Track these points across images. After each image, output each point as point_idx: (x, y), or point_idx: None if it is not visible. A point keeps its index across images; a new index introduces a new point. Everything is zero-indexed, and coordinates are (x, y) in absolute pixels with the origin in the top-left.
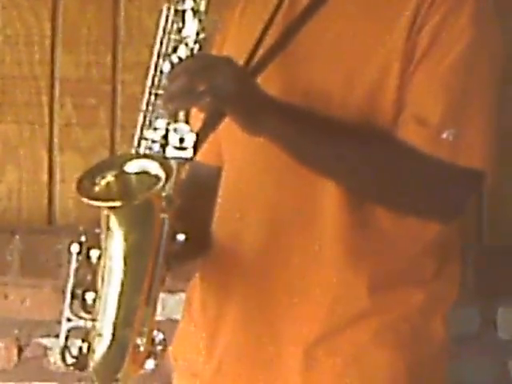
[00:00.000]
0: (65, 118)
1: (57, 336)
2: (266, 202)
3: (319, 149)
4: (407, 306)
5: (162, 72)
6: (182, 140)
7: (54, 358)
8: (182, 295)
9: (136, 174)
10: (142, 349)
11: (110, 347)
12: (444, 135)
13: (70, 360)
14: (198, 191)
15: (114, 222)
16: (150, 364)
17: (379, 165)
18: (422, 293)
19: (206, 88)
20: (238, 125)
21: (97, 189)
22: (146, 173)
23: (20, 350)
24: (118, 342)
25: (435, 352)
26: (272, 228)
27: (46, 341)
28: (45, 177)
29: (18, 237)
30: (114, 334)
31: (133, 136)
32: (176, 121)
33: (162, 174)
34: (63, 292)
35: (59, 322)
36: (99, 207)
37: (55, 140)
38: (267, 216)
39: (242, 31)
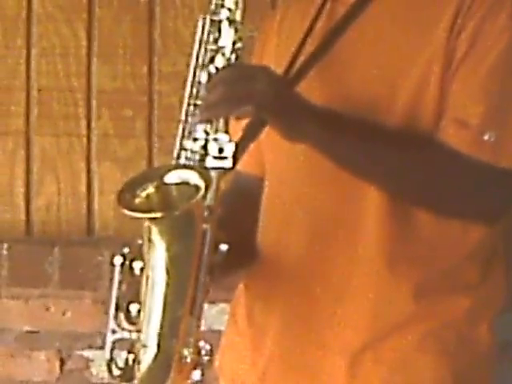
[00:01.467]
0: (102, 130)
1: (98, 348)
2: (308, 209)
3: (360, 153)
4: (452, 312)
5: (199, 83)
6: (221, 150)
7: (97, 369)
8: (223, 305)
9: (176, 184)
10: (188, 360)
11: (155, 358)
12: (485, 137)
13: (116, 372)
14: (240, 202)
15: (155, 233)
16: (196, 375)
17: (421, 168)
18: (466, 299)
19: (246, 95)
20: (278, 132)
21: (137, 201)
22: (185, 183)
23: (62, 363)
24: (164, 353)
25: (481, 359)
26: (315, 236)
27: (87, 353)
28: (83, 188)
29: (57, 249)
30: (159, 345)
31: (170, 146)
32: (215, 131)
33: (202, 184)
34: (104, 304)
35: (100, 334)
36: (140, 219)
37: (93, 151)
38: (310, 224)
39: (281, 41)
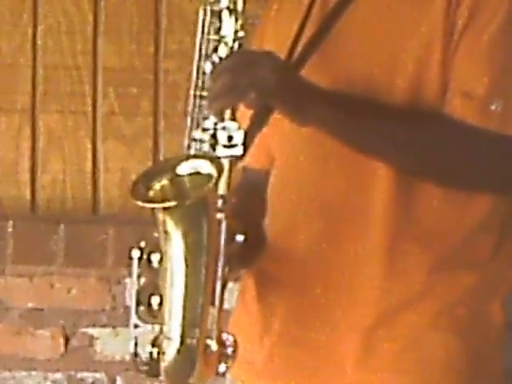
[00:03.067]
0: (108, 108)
1: (103, 325)
2: (316, 192)
3: (368, 131)
4: (463, 288)
5: (204, 73)
6: (230, 138)
7: (102, 347)
8: (231, 285)
9: (189, 175)
10: (213, 350)
11: (179, 350)
12: (492, 107)
13: (142, 367)
14: (250, 195)
15: (170, 223)
16: (222, 367)
17: (430, 141)
18: (478, 275)
19: (250, 83)
20: (285, 116)
21: (151, 193)
22: (198, 173)
23: (66, 340)
24: (188, 345)
25: (493, 336)
26: (324, 218)
27: (92, 330)
28: (89, 166)
29: (62, 226)
30: (182, 337)
31: (176, 124)
32: (223, 120)
33: (214, 172)
34: (109, 281)
35: (105, 311)
36: (154, 210)
37: (98, 129)
38: (319, 206)
39: (279, 28)
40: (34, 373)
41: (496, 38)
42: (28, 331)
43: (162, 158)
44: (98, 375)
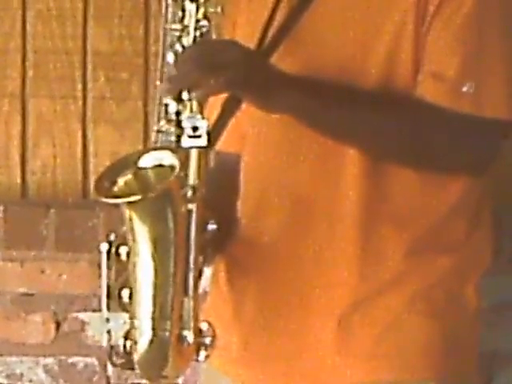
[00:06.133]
0: (98, 92)
1: (94, 310)
2: (286, 175)
3: (339, 116)
4: (439, 271)
5: (168, 63)
6: (195, 128)
7: (93, 331)
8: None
9: (152, 168)
10: (190, 341)
11: (151, 342)
12: (464, 88)
13: (118, 361)
14: (223, 181)
15: (135, 217)
16: (202, 356)
17: (402, 125)
18: (453, 258)
19: (214, 71)
20: (254, 104)
21: (116, 188)
22: (160, 165)
23: (58, 325)
24: (159, 337)
25: (469, 319)
26: (294, 201)
27: (83, 315)
28: (79, 151)
29: (53, 211)
30: (153, 329)
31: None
32: (189, 110)
33: (176, 163)
34: (100, 266)
35: (96, 296)
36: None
37: (88, 114)
38: (289, 189)
39: (250, 15)
40: (24, 358)
41: (467, 21)
42: (19, 316)
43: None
44: (89, 360)
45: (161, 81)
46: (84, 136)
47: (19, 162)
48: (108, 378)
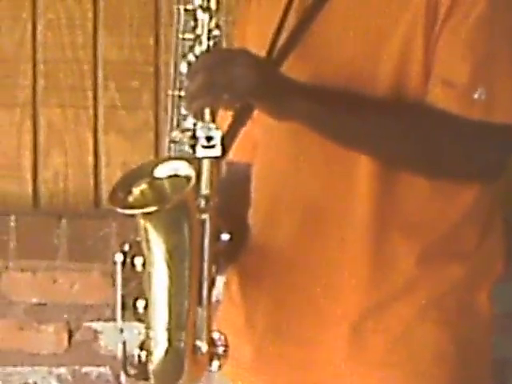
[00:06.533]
0: (109, 101)
1: (107, 320)
2: (297, 184)
3: (350, 124)
4: (451, 279)
5: (181, 73)
6: (209, 139)
7: (106, 341)
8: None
9: (167, 177)
10: (203, 351)
11: (167, 353)
12: (475, 95)
13: (131, 371)
14: (235, 190)
15: (151, 228)
16: (214, 366)
17: (413, 133)
18: (465, 265)
19: (226, 82)
20: (265, 113)
21: (131, 198)
22: (176, 175)
23: (70, 335)
24: (174, 348)
25: (481, 327)
26: (305, 210)
27: (95, 325)
28: (90, 160)
29: (64, 221)
30: (169, 340)
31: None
32: (203, 120)
33: (192, 174)
34: (112, 276)
35: (109, 306)
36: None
37: (100, 123)
38: (299, 198)
39: (261, 23)
40: (38, 368)
41: (478, 25)
42: (32, 326)
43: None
44: (102, 369)
45: (173, 90)
46: (95, 145)
47: (30, 172)
48: None
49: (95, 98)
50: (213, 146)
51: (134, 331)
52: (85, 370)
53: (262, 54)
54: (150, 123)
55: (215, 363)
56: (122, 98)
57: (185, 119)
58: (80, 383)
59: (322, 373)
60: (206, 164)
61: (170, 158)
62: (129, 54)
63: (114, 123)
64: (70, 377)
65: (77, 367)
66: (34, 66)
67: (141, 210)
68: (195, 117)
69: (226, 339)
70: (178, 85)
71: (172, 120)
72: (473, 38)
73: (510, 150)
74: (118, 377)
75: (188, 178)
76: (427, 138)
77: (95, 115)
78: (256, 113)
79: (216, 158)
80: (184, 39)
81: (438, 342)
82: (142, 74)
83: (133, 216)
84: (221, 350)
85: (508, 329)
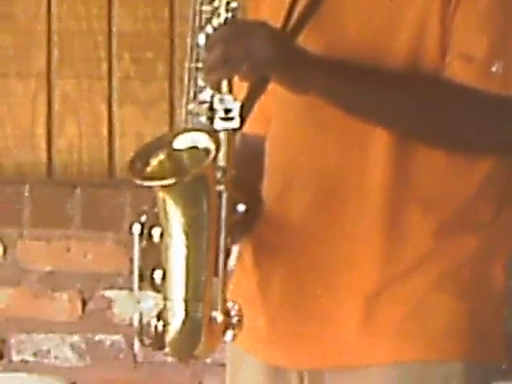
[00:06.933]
0: (123, 72)
1: (120, 288)
2: (312, 157)
3: (368, 96)
4: (466, 252)
5: (198, 45)
6: (227, 111)
7: (119, 309)
8: None
9: (186, 149)
10: (218, 321)
11: (184, 324)
12: (493, 69)
13: (147, 341)
14: (249, 163)
15: (169, 200)
16: (229, 336)
17: (431, 105)
18: (480, 238)
19: (245, 54)
20: (283, 86)
21: (149, 169)
22: (195, 147)
23: (84, 303)
24: (192, 318)
25: (496, 299)
26: (321, 184)
27: (109, 293)
28: (104, 130)
29: (79, 190)
30: (186, 311)
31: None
32: (220, 92)
33: (212, 146)
34: (126, 245)
35: (122, 275)
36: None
37: (114, 94)
38: (316, 172)
39: None
40: (51, 335)
41: (493, 1)
42: (46, 294)
43: (177, 123)
44: (115, 337)
45: (190, 62)
46: (109, 116)
47: (45, 142)
48: (134, 355)
49: (110, 69)
50: (231, 119)
51: (149, 301)
52: (98, 337)
53: (277, 26)
54: (165, 94)
55: (229, 333)
56: (137, 69)
57: (202, 91)
58: (93, 351)
59: (335, 344)
60: (223, 136)
61: (190, 129)
62: (143, 25)
63: (128, 94)
64: (83, 345)
65: (90, 335)
66: (49, 37)
67: (160, 183)
68: (213, 88)
69: (240, 309)
70: (195, 56)
71: (189, 92)
72: (490, 12)
73: None
74: (131, 345)
75: (207, 151)
76: (444, 110)
77: (109, 86)
78: (271, 85)
79: (234, 130)
80: (201, 11)
81: (452, 313)
82: (156, 45)
83: (150, 187)
84: (235, 319)
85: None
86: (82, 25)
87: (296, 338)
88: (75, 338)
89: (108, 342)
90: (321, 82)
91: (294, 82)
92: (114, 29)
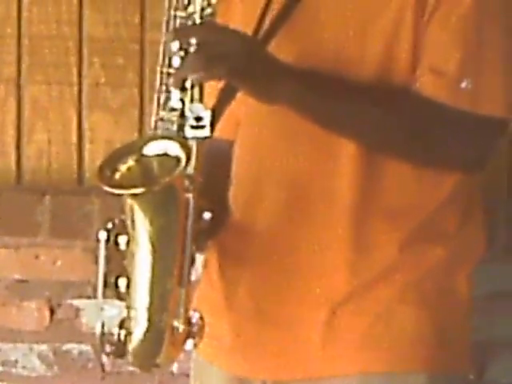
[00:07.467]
0: (93, 78)
1: (89, 297)
2: (280, 165)
3: (337, 108)
4: (431, 262)
5: (171, 51)
6: (198, 119)
7: (87, 319)
8: None
9: (156, 156)
10: (180, 330)
11: (146, 333)
12: (462, 85)
13: (108, 348)
14: (216, 168)
15: (137, 208)
16: (189, 345)
17: (399, 119)
18: (445, 248)
19: (218, 57)
20: (252, 96)
21: (118, 176)
22: (165, 155)
23: (52, 312)
24: (155, 328)
25: (460, 310)
26: (289, 191)
27: (77, 302)
28: (74, 137)
29: (48, 197)
30: (149, 320)
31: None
32: (191, 100)
33: (182, 155)
34: (94, 253)
35: (91, 283)
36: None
37: (84, 100)
38: (284, 180)
39: (247, 4)
40: (19, 345)
41: (468, 16)
42: (13, 303)
43: (147, 130)
44: (83, 347)
45: (161, 67)
46: (79, 122)
47: (14, 148)
48: (102, 365)
49: (80, 74)
50: (202, 127)
51: (114, 310)
52: (66, 347)
53: (248, 32)
54: (135, 101)
55: (190, 342)
56: (107, 75)
57: (172, 98)
58: (61, 360)
59: (300, 354)
60: (193, 144)
61: (160, 137)
62: (114, 31)
63: (98, 100)
64: (51, 354)
65: (58, 344)
66: (19, 41)
67: (129, 191)
68: (177, 87)
69: (201, 317)
70: (166, 62)
71: (159, 98)
72: (463, 26)
73: (494, 142)
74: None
75: (177, 159)
76: (413, 124)
77: (79, 92)
78: (241, 94)
79: (205, 138)
80: (176, 16)
81: (416, 325)
82: (127, 51)
83: (119, 195)
84: (195, 328)
85: (489, 311)
86: (52, 30)
87: (261, 348)
88: (43, 347)
89: (76, 352)
90: (292, 92)
91: (265, 91)
92: (84, 34)
